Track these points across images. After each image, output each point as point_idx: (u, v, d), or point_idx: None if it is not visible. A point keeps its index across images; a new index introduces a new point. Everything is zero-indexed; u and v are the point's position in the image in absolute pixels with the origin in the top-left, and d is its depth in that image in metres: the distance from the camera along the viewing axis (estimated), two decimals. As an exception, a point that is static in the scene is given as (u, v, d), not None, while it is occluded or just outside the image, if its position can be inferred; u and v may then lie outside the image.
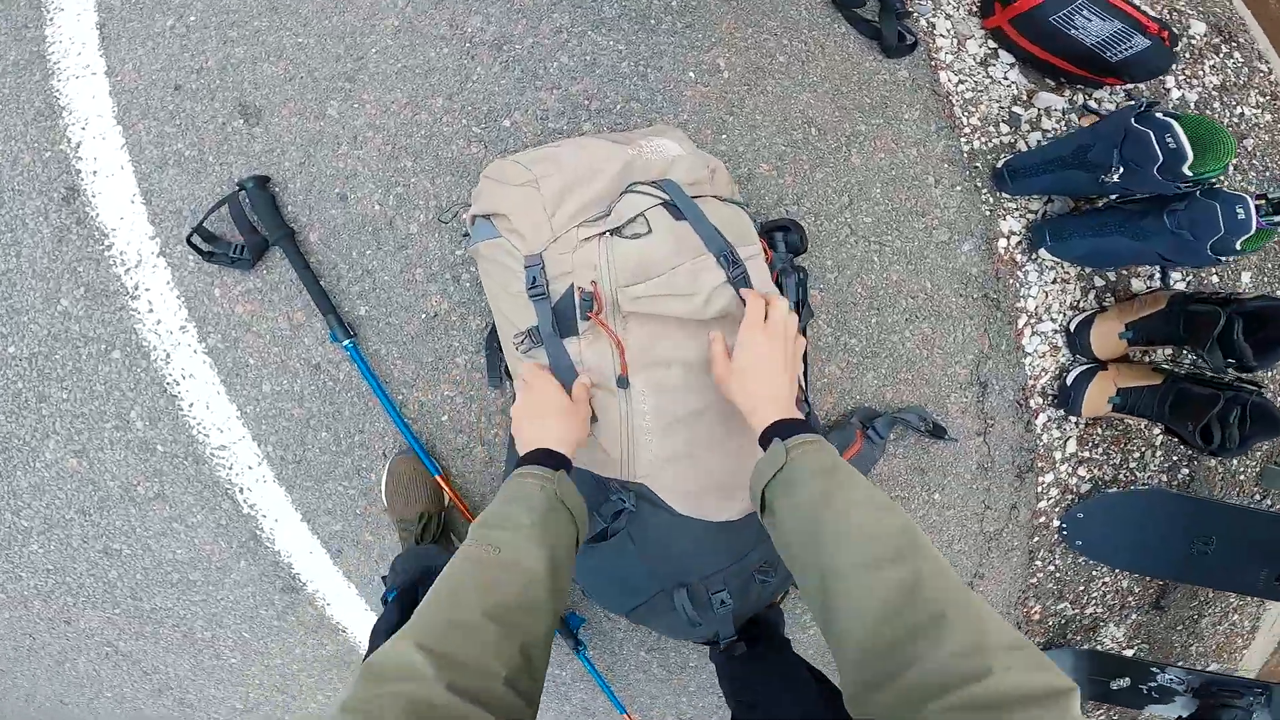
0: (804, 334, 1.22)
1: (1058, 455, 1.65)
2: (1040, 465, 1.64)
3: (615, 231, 0.99)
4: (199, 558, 1.36)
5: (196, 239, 1.21)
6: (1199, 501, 1.71)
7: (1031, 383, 1.57)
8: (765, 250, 1.12)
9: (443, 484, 1.31)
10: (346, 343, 1.24)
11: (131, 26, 1.20)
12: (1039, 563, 1.76)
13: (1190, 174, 1.12)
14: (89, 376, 1.27)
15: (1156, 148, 1.11)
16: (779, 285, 1.18)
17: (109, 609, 1.38)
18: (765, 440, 0.83)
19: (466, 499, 1.35)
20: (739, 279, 1.01)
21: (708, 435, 1.05)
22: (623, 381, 1.02)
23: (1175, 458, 1.77)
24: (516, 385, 0.96)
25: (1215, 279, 1.62)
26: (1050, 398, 1.60)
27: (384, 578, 1.25)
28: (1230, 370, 1.32)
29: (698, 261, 0.99)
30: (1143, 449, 1.74)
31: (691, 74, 1.23)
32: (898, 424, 1.48)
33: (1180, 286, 1.56)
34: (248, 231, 1.21)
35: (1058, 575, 1.80)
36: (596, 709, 1.75)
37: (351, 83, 1.18)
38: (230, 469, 1.31)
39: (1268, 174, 1.65)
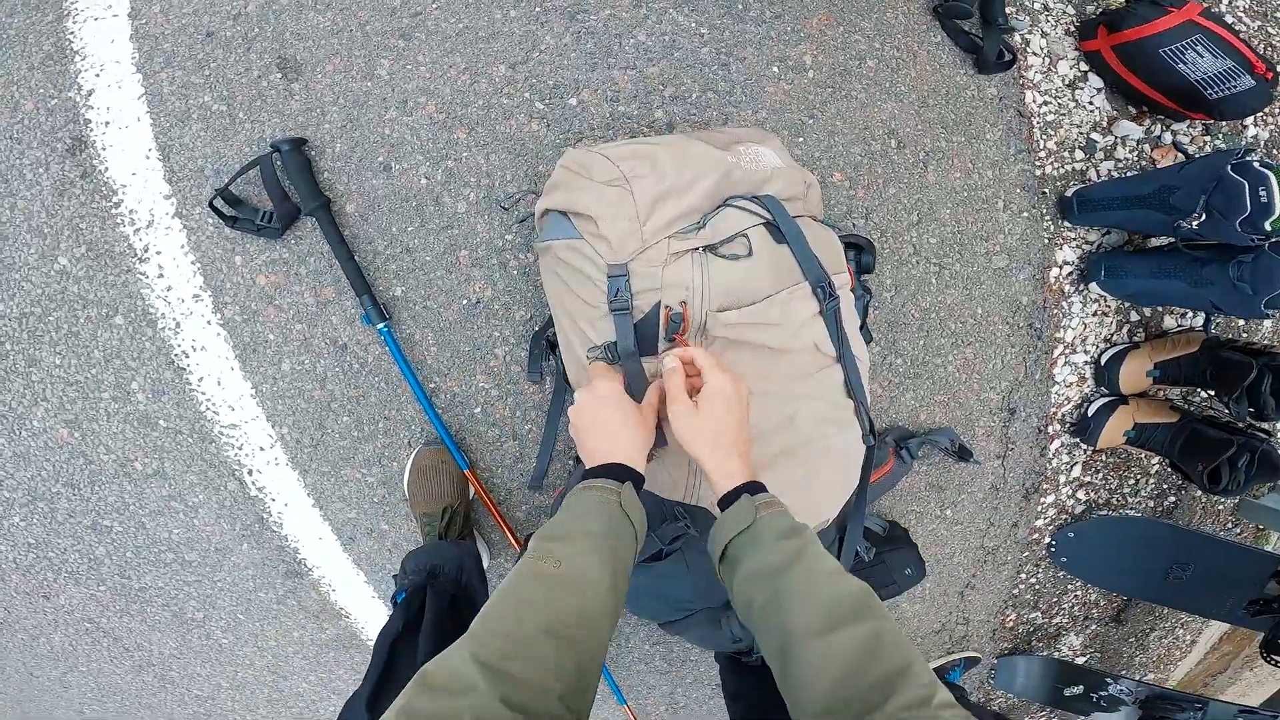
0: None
1: (1062, 479, 1.68)
2: (1045, 487, 1.68)
3: (710, 249, 0.91)
4: (197, 538, 1.26)
5: (220, 202, 1.09)
6: (1185, 532, 1.77)
7: (1054, 410, 1.58)
8: (850, 275, 1.07)
9: (470, 478, 1.25)
10: (381, 326, 1.14)
11: (164, -38, 1.03)
12: (1024, 575, 1.82)
13: (1270, 229, 1.11)
14: (87, 342, 1.14)
15: (1248, 200, 1.09)
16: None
17: (93, 586, 1.28)
18: (732, 495, 0.81)
19: (494, 494, 1.29)
20: (831, 311, 0.96)
21: (790, 469, 0.99)
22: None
23: (1164, 486, 1.84)
24: (581, 390, 0.88)
25: (1240, 321, 1.65)
26: (1069, 425, 1.62)
27: (395, 576, 1.18)
28: (1247, 418, 1.36)
29: (795, 290, 0.93)
30: (1138, 476, 1.79)
31: (775, 69, 1.15)
32: (927, 444, 1.48)
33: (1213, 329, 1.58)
34: (279, 198, 1.09)
35: (1038, 588, 1.87)
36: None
37: (407, 40, 1.06)
38: (239, 449, 1.21)
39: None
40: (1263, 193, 1.08)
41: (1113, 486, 1.77)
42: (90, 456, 1.19)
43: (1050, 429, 1.61)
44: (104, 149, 1.08)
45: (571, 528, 0.73)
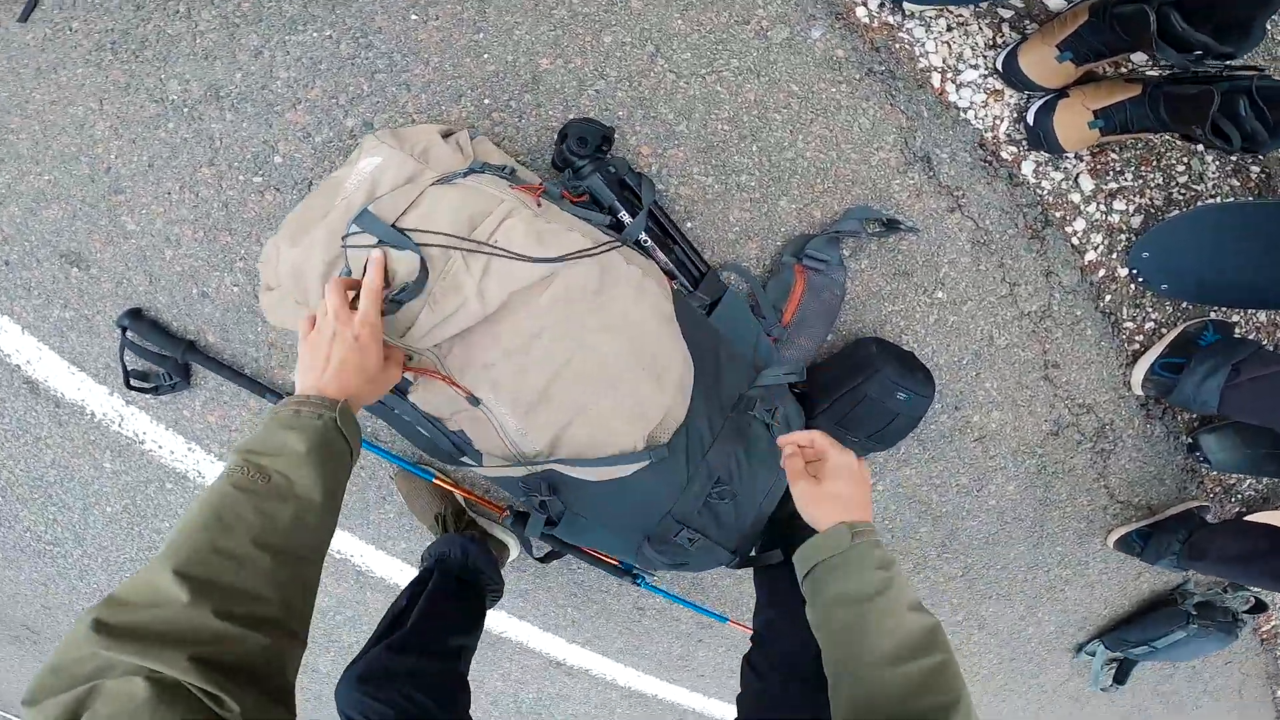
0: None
1: (1075, 198, 1.39)
2: (1059, 216, 1.39)
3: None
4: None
5: (135, 382, 1.32)
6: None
7: (990, 135, 1.32)
8: (533, 189, 1.03)
9: (440, 484, 1.39)
10: None
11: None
12: (1129, 324, 1.50)
13: None
14: (164, 513, 1.49)
15: None
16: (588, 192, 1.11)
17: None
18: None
19: (473, 488, 1.44)
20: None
21: (566, 404, 1.05)
22: (473, 400, 1.04)
23: (1235, 156, 1.43)
24: (329, 324, 0.85)
25: None
26: (1023, 144, 1.33)
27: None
28: (1205, 62, 1.04)
29: (447, 274, 0.94)
30: (1184, 158, 1.42)
31: (414, 16, 1.11)
32: (840, 239, 1.31)
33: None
34: (158, 360, 1.29)
35: (1158, 320, 1.52)
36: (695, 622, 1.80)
37: (122, 193, 1.18)
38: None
39: None
40: None
41: (1159, 181, 1.43)
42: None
43: (1004, 154, 1.33)
44: (45, 381, 1.32)
45: (280, 441, 0.71)
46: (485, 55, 1.13)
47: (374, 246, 0.93)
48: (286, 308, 1.06)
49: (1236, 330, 1.57)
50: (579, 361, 1.04)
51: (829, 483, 0.92)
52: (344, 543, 1.58)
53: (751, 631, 1.16)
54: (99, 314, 1.26)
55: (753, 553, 1.26)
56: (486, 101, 1.15)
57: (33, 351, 1.31)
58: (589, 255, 1.00)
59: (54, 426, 1.40)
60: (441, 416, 1.13)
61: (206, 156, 1.15)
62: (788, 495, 0.98)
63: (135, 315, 1.26)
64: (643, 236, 1.16)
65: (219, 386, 1.35)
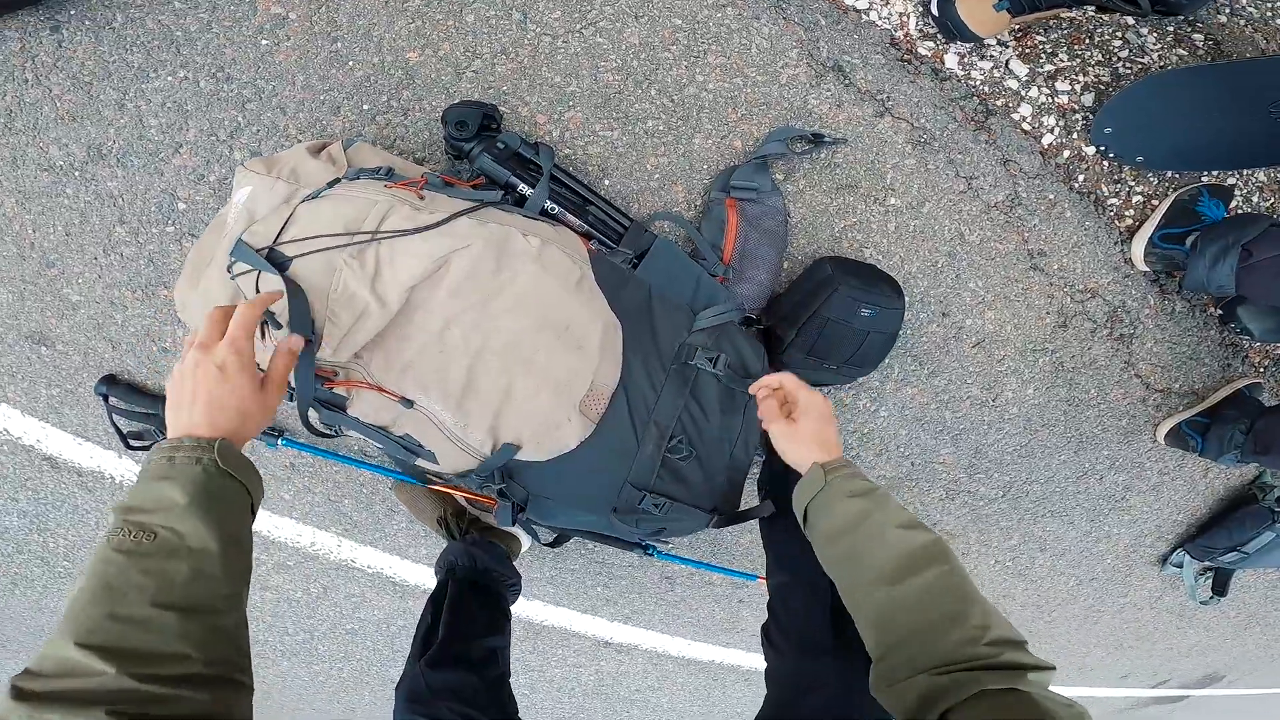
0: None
1: (1013, 84, 1.31)
2: (1001, 104, 1.30)
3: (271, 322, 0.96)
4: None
5: (134, 443, 1.39)
6: (1245, 64, 1.29)
7: (900, 34, 1.24)
8: (413, 183, 1.02)
9: (437, 489, 1.42)
10: (281, 441, 1.37)
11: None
12: (1114, 200, 1.39)
13: None
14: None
15: None
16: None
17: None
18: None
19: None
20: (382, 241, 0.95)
21: (491, 390, 1.03)
22: (406, 403, 1.03)
23: (1172, 26, 1.33)
24: (191, 355, 0.76)
25: None
26: (938, 37, 1.24)
27: None
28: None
29: (338, 287, 0.94)
30: (1117, 33, 1.34)
31: (264, 41, 1.11)
32: (767, 164, 1.25)
33: None
34: (144, 418, 1.36)
35: (1145, 193, 1.40)
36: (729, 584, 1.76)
37: (54, 266, 1.22)
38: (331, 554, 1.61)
39: None
40: None
41: (1099, 59, 1.32)
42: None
43: (920, 50, 1.25)
44: (61, 455, 1.41)
45: (158, 494, 0.65)
46: (350, 63, 1.13)
47: (251, 272, 0.94)
48: None
49: (1236, 192, 1.44)
50: (493, 345, 1.02)
51: (804, 422, 0.95)
52: (372, 558, 1.64)
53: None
54: (80, 385, 1.34)
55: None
56: (366, 107, 1.15)
57: (39, 431, 1.40)
58: (469, 214, 0.99)
59: (85, 494, 1.49)
60: (384, 424, 1.14)
61: (115, 215, 1.18)
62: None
63: (111, 381, 1.33)
64: (549, 204, 1.14)
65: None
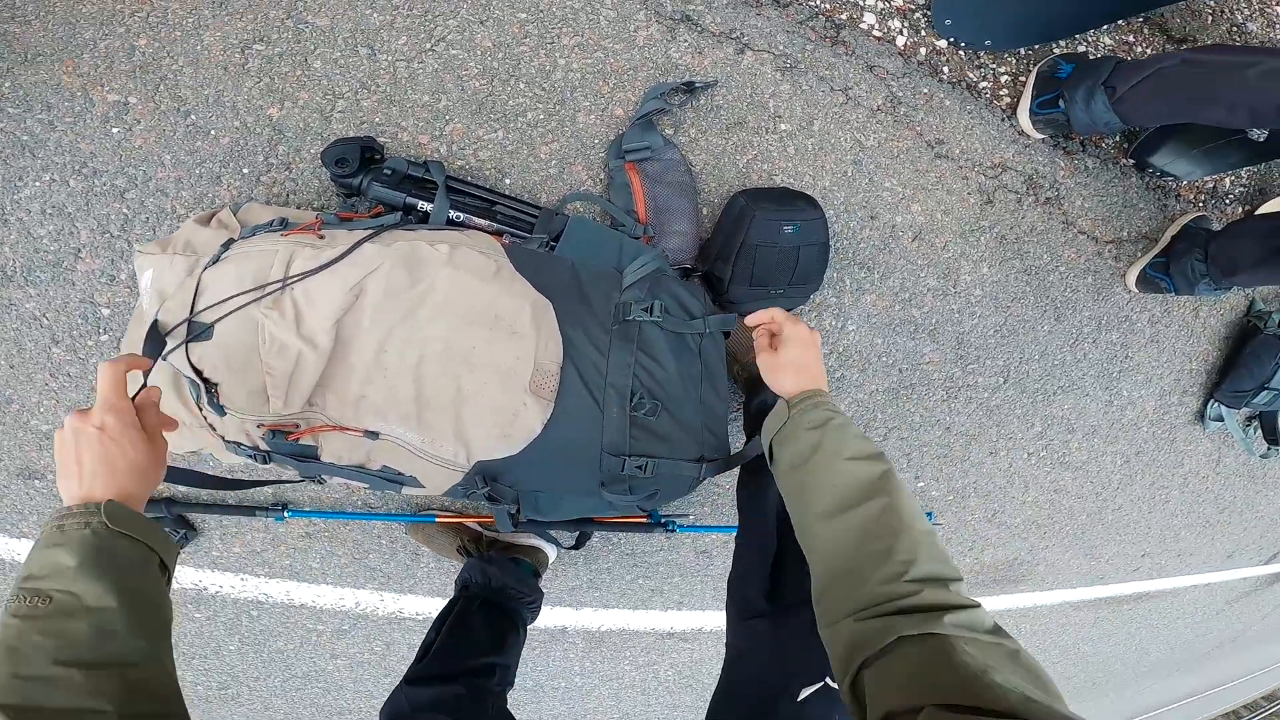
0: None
1: None
2: (846, 18, 1.37)
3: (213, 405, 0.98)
4: None
5: None
6: None
7: None
8: (309, 225, 1.05)
9: (446, 521, 1.44)
10: (287, 513, 1.40)
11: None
12: (985, 84, 1.48)
13: None
14: (271, 635, 1.60)
15: None
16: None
17: None
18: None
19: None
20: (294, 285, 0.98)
21: (444, 399, 1.03)
22: (371, 435, 1.03)
23: None
24: (70, 421, 0.73)
25: None
26: None
27: None
28: None
29: (265, 340, 0.96)
30: None
31: (115, 129, 1.13)
32: (652, 122, 1.28)
33: None
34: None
35: (1010, 72, 1.46)
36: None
37: (12, 401, 1.24)
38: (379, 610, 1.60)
39: None
40: None
41: None
42: None
43: None
44: None
45: (48, 560, 0.66)
46: (211, 131, 1.15)
47: (180, 346, 0.96)
48: (180, 436, 1.09)
49: (1089, 56, 1.50)
50: (430, 354, 1.02)
51: (784, 350, 0.95)
52: (417, 605, 1.63)
53: None
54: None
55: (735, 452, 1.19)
56: (246, 171, 1.17)
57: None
58: (372, 238, 1.01)
59: None
60: (359, 462, 1.12)
61: (48, 337, 1.19)
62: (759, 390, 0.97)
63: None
64: (453, 214, 1.16)
65: (221, 521, 1.42)
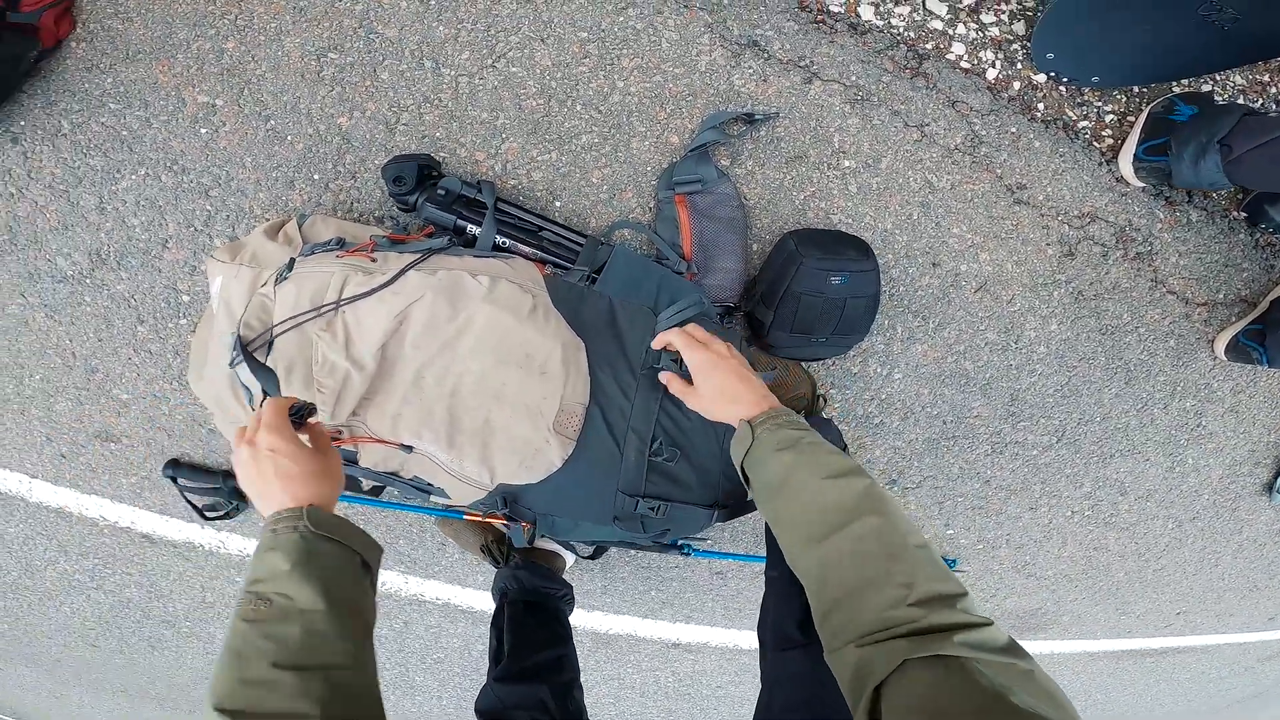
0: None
1: (937, 25, 1.28)
2: (930, 47, 1.27)
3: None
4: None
5: (209, 514, 1.55)
6: None
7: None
8: (363, 247, 1.10)
9: (472, 519, 1.51)
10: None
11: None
12: (1085, 123, 1.36)
13: None
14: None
15: None
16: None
17: None
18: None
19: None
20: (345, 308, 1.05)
21: (474, 426, 1.09)
22: (405, 448, 1.11)
23: None
24: (242, 452, 0.82)
25: None
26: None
27: None
28: None
29: (318, 359, 1.04)
30: None
31: (203, 130, 1.20)
32: (708, 152, 1.26)
33: None
34: (211, 494, 1.52)
35: (1117, 111, 1.33)
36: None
37: (97, 371, 1.37)
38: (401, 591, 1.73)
39: None
40: None
41: None
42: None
43: (832, 9, 1.27)
44: (153, 532, 1.61)
45: (266, 564, 0.72)
46: (288, 137, 1.22)
47: (239, 362, 1.05)
48: (231, 429, 1.21)
49: (1216, 97, 1.34)
50: (466, 385, 1.09)
51: (698, 383, 0.92)
52: (438, 590, 1.76)
53: None
54: (151, 472, 1.51)
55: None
56: (316, 177, 1.24)
57: (129, 514, 1.59)
58: (417, 266, 1.06)
59: (183, 563, 1.68)
60: (394, 470, 1.22)
61: (134, 316, 1.33)
62: None
63: (175, 464, 1.50)
64: (499, 239, 1.19)
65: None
